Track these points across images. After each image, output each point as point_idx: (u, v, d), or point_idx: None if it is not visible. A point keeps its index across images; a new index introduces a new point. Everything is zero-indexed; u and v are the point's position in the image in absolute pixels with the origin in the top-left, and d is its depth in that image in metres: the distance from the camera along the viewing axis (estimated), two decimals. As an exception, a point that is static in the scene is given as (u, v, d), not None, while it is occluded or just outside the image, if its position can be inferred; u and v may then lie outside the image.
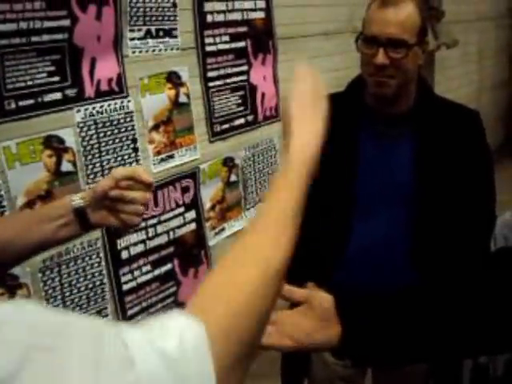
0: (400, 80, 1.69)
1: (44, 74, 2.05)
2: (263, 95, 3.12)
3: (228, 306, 0.65)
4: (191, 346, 0.57)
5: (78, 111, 2.19)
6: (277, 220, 0.79)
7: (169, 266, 2.68)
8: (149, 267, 2.58)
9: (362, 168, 1.78)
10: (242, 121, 3.01)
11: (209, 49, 2.75)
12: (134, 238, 2.48)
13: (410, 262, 1.79)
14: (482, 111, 1.81)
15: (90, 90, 2.23)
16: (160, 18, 2.48)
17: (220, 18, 2.78)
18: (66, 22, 2.08)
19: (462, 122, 1.79)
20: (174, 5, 2.52)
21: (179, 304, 2.75)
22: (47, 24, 2.02)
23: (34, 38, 1.99)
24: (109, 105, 2.30)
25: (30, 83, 2.01)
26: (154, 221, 2.57)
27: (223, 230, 2.98)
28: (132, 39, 2.37)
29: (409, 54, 1.65)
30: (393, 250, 1.79)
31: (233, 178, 3.00)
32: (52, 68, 2.08)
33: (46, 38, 2.03)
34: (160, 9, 2.47)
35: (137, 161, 2.42)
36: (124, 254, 2.46)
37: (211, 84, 2.79)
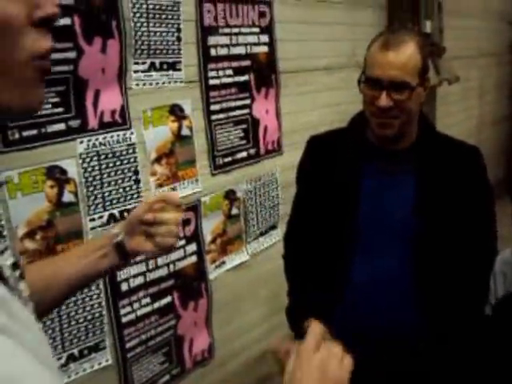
0: (403, 120, 1.70)
1: (48, 105, 2.06)
2: (266, 129, 3.13)
3: None
4: None
5: (81, 142, 2.19)
6: None
7: (168, 299, 2.65)
8: (148, 300, 2.56)
9: (364, 204, 1.78)
10: (244, 154, 3.01)
11: (212, 82, 2.76)
12: (134, 270, 2.46)
13: (411, 300, 1.77)
14: (482, 146, 1.82)
15: (93, 122, 2.23)
16: (164, 52, 2.50)
17: (224, 51, 2.80)
18: (72, 54, 2.09)
19: (463, 159, 1.80)
20: (179, 38, 2.54)
21: (178, 338, 2.72)
22: (53, 56, 2.03)
23: (40, 70, 2.00)
24: (112, 136, 2.31)
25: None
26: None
27: (224, 263, 2.97)
28: (136, 72, 2.39)
29: (412, 95, 1.66)
30: (394, 287, 1.78)
31: (234, 210, 2.99)
32: (56, 99, 2.09)
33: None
34: (164, 42, 2.49)
35: (138, 193, 2.42)
36: (124, 286, 2.44)
37: (214, 117, 2.80)
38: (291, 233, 2.01)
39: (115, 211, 2.35)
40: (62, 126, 2.12)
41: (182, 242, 2.69)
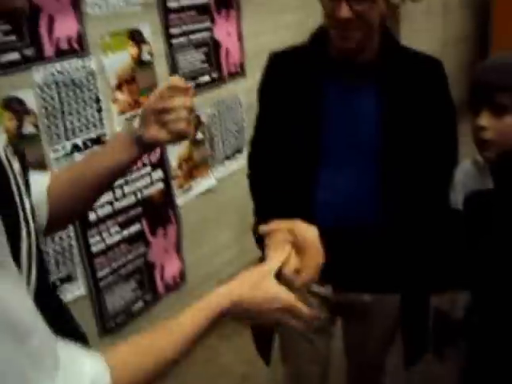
0: (364, 32, 1.65)
1: (2, 37, 2.00)
2: (228, 51, 3.08)
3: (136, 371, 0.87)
4: None
5: (38, 71, 2.14)
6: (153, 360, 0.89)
7: (137, 227, 2.67)
8: (117, 228, 2.57)
9: (327, 119, 1.77)
10: (206, 78, 2.97)
11: (171, 5, 2.69)
12: (101, 199, 2.45)
13: (377, 216, 1.80)
14: (445, 65, 1.82)
15: (49, 50, 2.17)
16: (119, -26, 2.41)
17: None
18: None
19: (425, 71, 1.78)
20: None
21: (149, 264, 2.75)
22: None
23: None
24: (70, 64, 2.25)
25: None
26: (121, 181, 2.54)
27: (191, 188, 2.97)
28: (91, -4, 2.31)
29: (373, 6, 1.62)
30: (359, 203, 1.80)
31: (199, 135, 2.98)
32: (8, 27, 2.02)
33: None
34: (119, -36, 2.41)
35: (100, 121, 2.38)
36: (92, 216, 2.44)
37: (174, 41, 2.74)
38: (255, 152, 1.99)
39: (78, 141, 2.32)
40: (16, 56, 2.06)
41: (148, 169, 2.68)
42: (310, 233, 1.09)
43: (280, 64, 1.87)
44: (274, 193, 1.90)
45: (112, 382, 0.80)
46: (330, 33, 1.70)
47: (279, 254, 1.05)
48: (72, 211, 1.27)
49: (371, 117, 1.74)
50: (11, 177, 0.89)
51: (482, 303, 1.26)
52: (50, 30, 2.17)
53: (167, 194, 2.81)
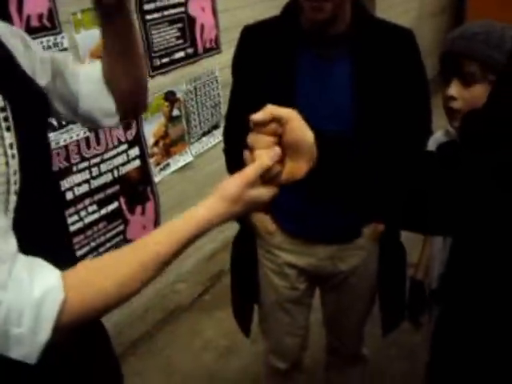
0: (336, 3, 1.66)
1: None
2: (202, 27, 3.05)
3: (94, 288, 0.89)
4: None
5: (9, 49, 2.11)
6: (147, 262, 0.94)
7: (115, 205, 2.67)
8: (95, 207, 2.56)
9: (300, 91, 1.78)
10: (181, 54, 2.95)
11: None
12: (77, 178, 2.45)
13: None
14: (422, 38, 1.83)
15: (19, 27, 2.14)
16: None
17: None
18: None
19: (397, 41, 1.79)
20: None
21: (128, 242, 2.76)
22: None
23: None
24: (41, 42, 2.23)
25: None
26: (97, 159, 2.53)
27: (168, 165, 2.97)
28: (62, -28, 2.28)
29: None
30: None
31: (175, 112, 2.96)
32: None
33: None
34: None
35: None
36: (69, 195, 2.43)
37: (148, 17, 2.72)
38: (229, 126, 2.00)
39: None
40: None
41: (125, 147, 2.67)
42: (306, 134, 0.97)
43: (253, 37, 1.87)
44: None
45: (65, 298, 0.85)
46: (302, 4, 1.70)
47: (266, 154, 0.96)
48: (130, 80, 1.31)
49: (344, 87, 1.75)
50: None
51: (456, 265, 1.28)
52: (20, 8, 2.14)
53: (144, 172, 2.80)
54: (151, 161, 2.84)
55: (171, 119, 2.94)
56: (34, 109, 1.07)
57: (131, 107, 1.38)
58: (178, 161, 3.03)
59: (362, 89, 1.74)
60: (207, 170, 3.22)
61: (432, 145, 1.77)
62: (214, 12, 3.12)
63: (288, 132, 0.95)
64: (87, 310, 0.89)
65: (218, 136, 3.23)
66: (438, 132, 1.80)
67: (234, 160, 2.01)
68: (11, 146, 0.94)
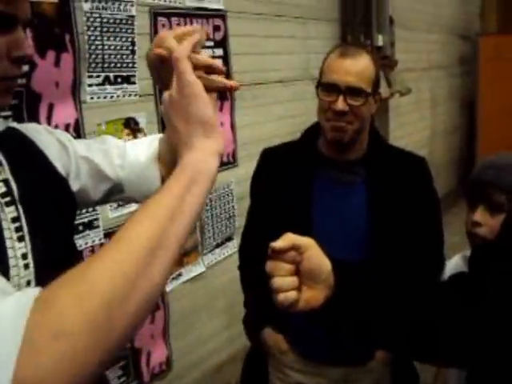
0: (356, 127, 1.76)
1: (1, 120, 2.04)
2: (221, 141, 3.14)
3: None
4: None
5: (35, 157, 2.18)
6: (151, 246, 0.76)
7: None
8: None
9: (317, 214, 1.82)
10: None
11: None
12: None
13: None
14: (434, 156, 1.90)
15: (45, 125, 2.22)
16: (119, 65, 2.50)
17: (178, 65, 2.82)
18: (25, 68, 2.08)
19: (410, 169, 1.87)
20: (133, 52, 2.55)
21: (135, 350, 2.71)
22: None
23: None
24: (66, 150, 2.30)
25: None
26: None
27: (180, 274, 2.97)
28: (90, 85, 2.39)
29: (366, 103, 1.73)
30: None
31: (190, 222, 3.00)
32: (9, 113, 2.08)
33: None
34: (119, 56, 2.50)
35: (94, 209, 2.41)
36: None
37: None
38: (246, 244, 2.03)
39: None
40: (14, 141, 2.11)
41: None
42: (324, 263, 0.98)
43: (271, 160, 1.95)
44: (264, 286, 1.92)
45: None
46: (323, 126, 1.79)
47: None
48: None
49: (360, 213, 1.80)
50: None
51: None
52: (49, 117, 2.23)
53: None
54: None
55: (186, 229, 2.97)
56: (59, 213, 1.09)
57: None
58: (190, 271, 3.03)
59: (378, 216, 1.79)
60: (218, 282, 3.21)
61: (449, 270, 1.78)
62: (233, 127, 3.23)
63: (306, 260, 0.97)
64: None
65: (231, 248, 3.25)
66: (455, 257, 1.82)
67: (249, 278, 2.03)
68: (24, 256, 0.95)
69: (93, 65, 2.38)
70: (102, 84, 2.44)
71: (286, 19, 3.60)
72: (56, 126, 2.25)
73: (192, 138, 0.87)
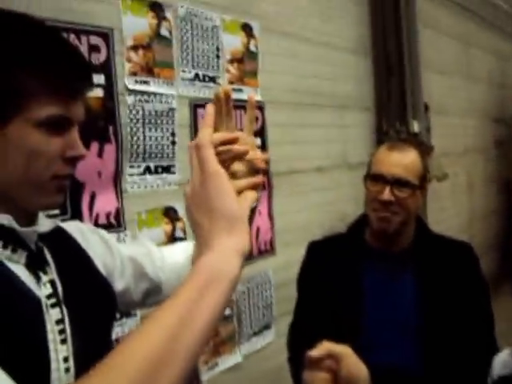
0: (402, 218, 1.79)
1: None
2: (258, 230, 3.15)
3: None
4: None
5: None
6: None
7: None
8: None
9: (366, 304, 1.82)
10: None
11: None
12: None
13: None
14: (473, 240, 1.90)
15: (88, 224, 2.26)
16: (159, 155, 2.56)
17: (217, 154, 2.86)
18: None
19: (457, 255, 1.89)
20: (173, 143, 2.62)
21: None
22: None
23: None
24: (106, 239, 2.33)
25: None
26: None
27: (216, 364, 2.92)
28: (131, 175, 2.44)
29: (412, 195, 1.76)
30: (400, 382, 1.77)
31: (227, 311, 2.97)
32: (56, 212, 2.12)
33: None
34: (159, 146, 2.56)
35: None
36: None
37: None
38: (295, 336, 2.02)
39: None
40: (57, 230, 2.14)
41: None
42: (361, 370, 0.98)
43: (319, 252, 1.97)
44: None
45: None
46: (370, 216, 1.81)
47: None
48: None
49: (409, 301, 1.81)
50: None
51: None
52: (91, 206, 2.27)
53: (193, 370, 2.75)
54: (199, 359, 2.80)
55: (222, 318, 2.94)
56: (101, 315, 1.09)
57: None
58: (227, 361, 2.98)
59: (426, 302, 1.80)
60: (255, 371, 3.14)
61: (497, 364, 1.72)
62: (270, 215, 3.24)
63: (343, 368, 0.95)
64: None
65: (268, 337, 3.20)
66: (504, 351, 1.76)
67: (298, 369, 2.00)
68: (66, 359, 0.95)
69: (134, 155, 2.44)
70: (143, 174, 2.50)
71: (322, 108, 3.66)
72: (97, 215, 2.29)
73: (214, 235, 0.80)
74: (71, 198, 2.19)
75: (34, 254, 1.01)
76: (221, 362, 2.95)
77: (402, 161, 1.79)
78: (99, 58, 2.28)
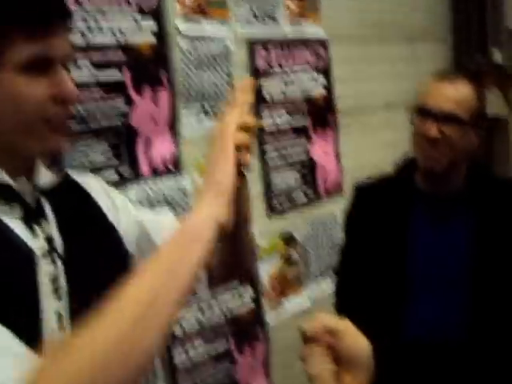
0: (450, 158, 1.66)
1: (102, 157, 2.11)
2: (324, 171, 3.09)
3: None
4: None
5: (133, 189, 2.22)
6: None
7: (224, 344, 2.64)
8: (203, 344, 2.55)
9: (414, 251, 1.75)
10: (302, 197, 2.98)
11: (267, 127, 2.76)
12: (187, 315, 2.46)
13: (465, 347, 1.70)
14: None
15: (145, 170, 2.28)
16: (216, 98, 2.53)
17: (278, 96, 2.80)
18: (125, 108, 2.15)
19: None
20: (230, 84, 2.57)
21: (235, 382, 2.69)
22: (105, 109, 2.09)
23: (93, 125, 2.07)
24: (164, 184, 2.34)
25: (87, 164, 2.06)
26: (209, 297, 2.55)
27: (283, 307, 2.92)
28: (188, 120, 2.42)
29: (461, 132, 1.63)
30: (450, 338, 1.71)
31: (293, 254, 2.96)
32: (108, 149, 2.15)
33: (104, 123, 2.10)
34: (216, 89, 2.52)
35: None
36: (177, 331, 2.44)
37: (270, 161, 2.79)
38: (341, 283, 1.98)
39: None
40: (114, 175, 2.16)
41: (238, 287, 2.68)
42: (361, 343, 0.93)
43: (366, 196, 1.89)
44: (361, 322, 1.87)
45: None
46: (416, 153, 1.72)
47: None
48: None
49: (460, 248, 1.71)
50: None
51: None
52: (147, 153, 2.29)
53: (257, 312, 2.78)
54: (265, 302, 2.81)
55: (288, 261, 2.93)
56: (110, 272, 1.08)
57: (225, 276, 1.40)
58: (294, 302, 2.98)
59: (479, 250, 1.69)
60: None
61: None
62: (338, 156, 3.16)
63: (342, 343, 0.91)
64: None
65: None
66: None
67: (345, 312, 1.97)
68: (60, 316, 0.95)
69: (190, 99, 2.42)
70: (200, 118, 2.47)
71: (389, 41, 3.49)
72: (154, 161, 2.30)
73: (203, 202, 0.95)
74: (127, 145, 2.20)
75: (31, 209, 1.01)
76: (287, 304, 2.94)
77: (451, 93, 1.64)
78: (150, 1, 2.26)
